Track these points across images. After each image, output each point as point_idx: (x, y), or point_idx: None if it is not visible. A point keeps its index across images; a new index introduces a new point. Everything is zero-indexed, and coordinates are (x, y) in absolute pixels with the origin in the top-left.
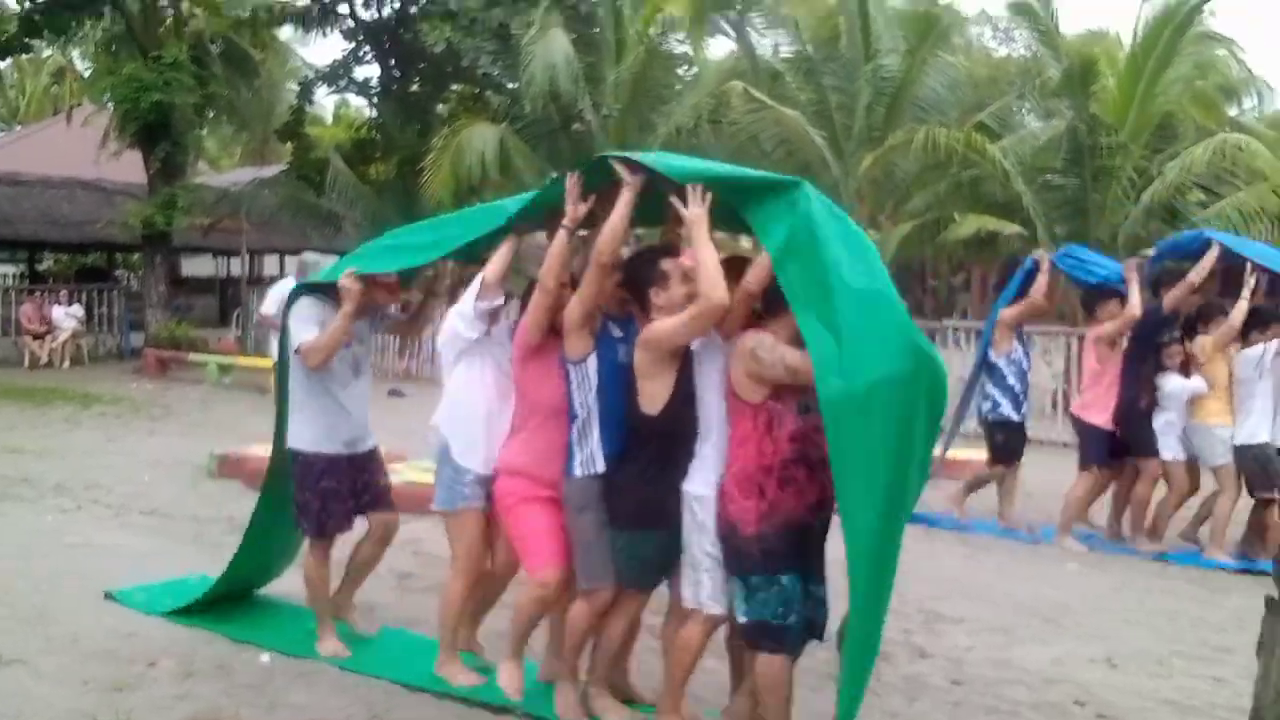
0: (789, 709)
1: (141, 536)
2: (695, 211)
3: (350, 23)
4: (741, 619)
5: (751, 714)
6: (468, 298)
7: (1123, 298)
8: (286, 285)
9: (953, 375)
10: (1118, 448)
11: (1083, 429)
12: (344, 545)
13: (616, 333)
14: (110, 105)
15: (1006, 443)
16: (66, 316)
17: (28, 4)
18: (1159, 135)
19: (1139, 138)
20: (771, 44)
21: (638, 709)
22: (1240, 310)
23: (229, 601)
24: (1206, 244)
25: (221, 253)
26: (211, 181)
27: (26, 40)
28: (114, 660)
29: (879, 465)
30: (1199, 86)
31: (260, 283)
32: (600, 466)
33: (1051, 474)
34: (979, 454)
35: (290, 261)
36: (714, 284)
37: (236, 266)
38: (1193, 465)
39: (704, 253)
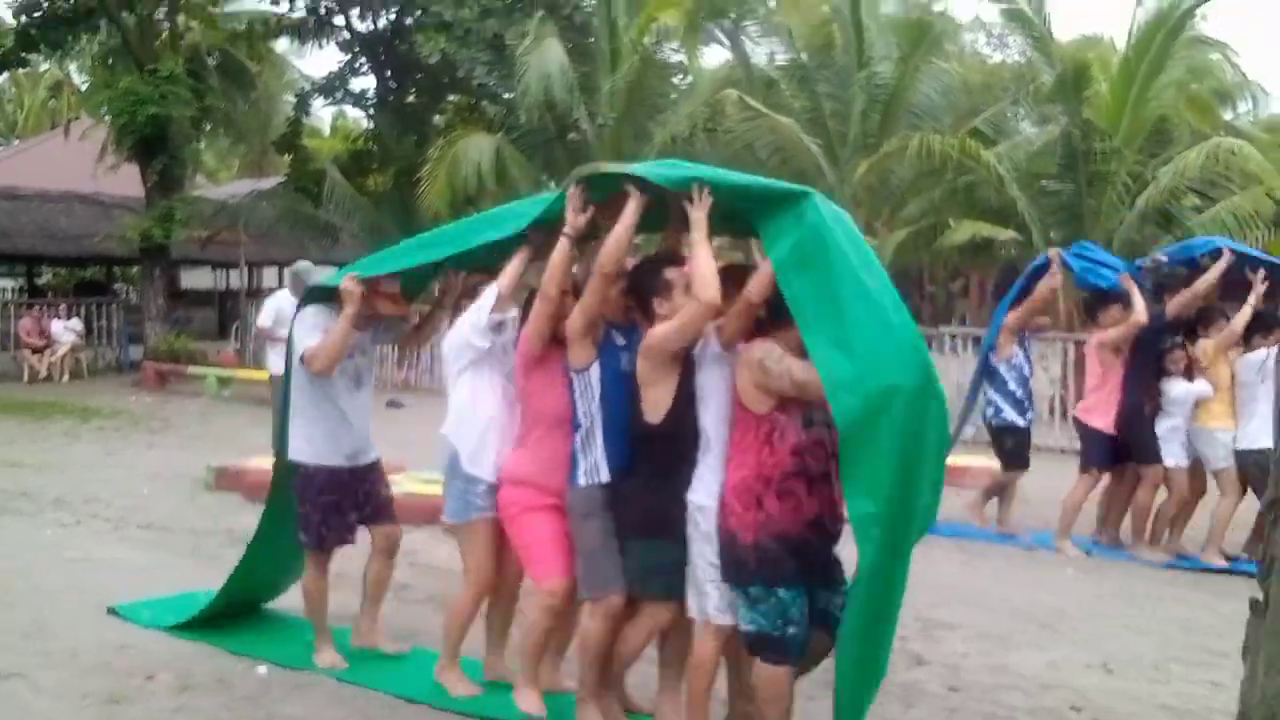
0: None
1: (140, 550)
2: (697, 214)
3: (346, 34)
4: (743, 628)
5: None
6: (481, 308)
7: (1125, 303)
8: (282, 296)
9: (952, 382)
10: (1119, 452)
11: (1085, 432)
12: (343, 559)
13: (620, 341)
14: (107, 119)
15: (1017, 447)
16: (65, 330)
17: (24, 19)
18: (1153, 140)
19: (1133, 142)
20: (766, 52)
21: (633, 719)
22: (1244, 315)
23: (231, 615)
24: (1217, 252)
25: (220, 265)
26: (209, 194)
27: (23, 55)
28: (112, 673)
29: (887, 479)
30: (1193, 91)
31: (259, 295)
32: (604, 476)
33: (1049, 480)
34: (976, 461)
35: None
36: (705, 284)
37: (235, 279)
38: (1196, 469)
39: (700, 253)
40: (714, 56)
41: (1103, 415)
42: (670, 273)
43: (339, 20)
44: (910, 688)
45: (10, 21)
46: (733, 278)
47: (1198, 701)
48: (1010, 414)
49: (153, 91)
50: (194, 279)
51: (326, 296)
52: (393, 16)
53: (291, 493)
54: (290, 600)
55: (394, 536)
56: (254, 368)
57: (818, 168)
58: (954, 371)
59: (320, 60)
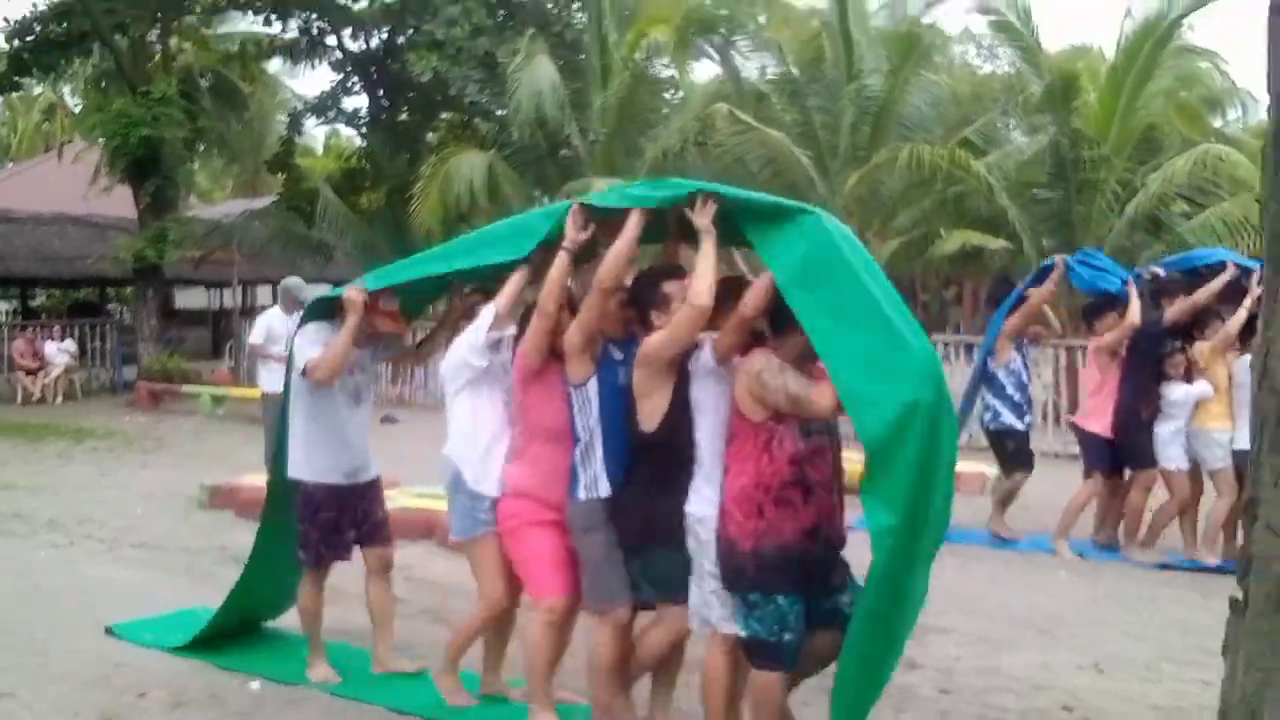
0: None
1: (134, 569)
2: (704, 222)
3: (338, 54)
4: (741, 634)
5: None
6: (478, 328)
7: (1122, 310)
8: (273, 314)
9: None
10: (1117, 456)
11: (1083, 438)
12: (337, 574)
13: (617, 356)
14: (100, 141)
15: (1018, 449)
16: (59, 352)
17: (16, 42)
18: (1143, 148)
19: (1122, 150)
20: (756, 67)
21: None
22: (1239, 318)
23: (229, 634)
24: (1220, 265)
25: (214, 285)
26: (203, 214)
27: (16, 79)
28: (105, 691)
29: (906, 491)
30: (1182, 99)
31: (252, 314)
32: (604, 490)
33: (1044, 484)
34: (966, 466)
35: None
36: (699, 290)
37: (229, 298)
38: (1195, 471)
39: (703, 263)
40: (704, 71)
41: (1100, 420)
42: (669, 286)
43: (331, 40)
44: (903, 691)
45: (3, 45)
46: (730, 290)
47: (1189, 699)
48: (1008, 417)
49: (145, 113)
50: (188, 299)
51: (328, 312)
52: (385, 36)
53: (290, 510)
54: (283, 616)
55: (387, 558)
56: (248, 386)
57: (809, 180)
58: (949, 379)
59: (313, 80)
